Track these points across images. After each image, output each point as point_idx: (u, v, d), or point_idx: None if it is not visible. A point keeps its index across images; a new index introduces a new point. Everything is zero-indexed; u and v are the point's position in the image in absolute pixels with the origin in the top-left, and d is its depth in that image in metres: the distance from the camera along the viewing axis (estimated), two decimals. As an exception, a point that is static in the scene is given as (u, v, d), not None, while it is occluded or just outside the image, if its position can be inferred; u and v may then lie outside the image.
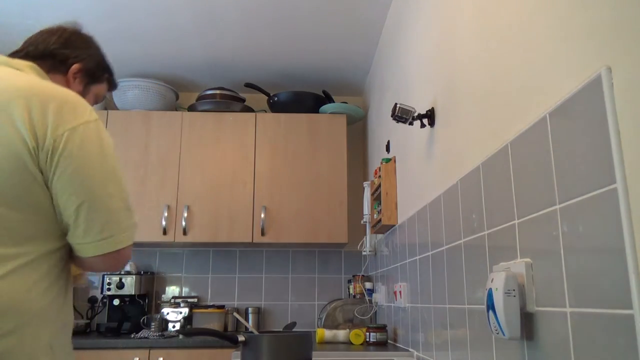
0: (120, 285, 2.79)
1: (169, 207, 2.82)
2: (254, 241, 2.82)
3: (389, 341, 2.20)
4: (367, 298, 2.71)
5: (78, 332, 2.73)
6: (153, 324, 2.67)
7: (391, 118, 1.66)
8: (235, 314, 1.81)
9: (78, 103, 1.02)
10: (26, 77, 1.03)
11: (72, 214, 0.98)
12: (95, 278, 3.01)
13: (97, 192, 0.99)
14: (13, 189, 0.93)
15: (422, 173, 1.73)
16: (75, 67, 1.19)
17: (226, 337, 1.56)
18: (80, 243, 1.00)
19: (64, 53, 1.18)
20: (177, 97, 3.19)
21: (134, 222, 1.07)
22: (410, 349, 1.87)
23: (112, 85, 1.34)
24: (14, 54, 1.15)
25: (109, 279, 2.80)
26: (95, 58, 1.26)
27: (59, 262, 1.02)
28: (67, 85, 1.17)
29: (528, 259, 0.91)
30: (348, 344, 2.16)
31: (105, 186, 1.01)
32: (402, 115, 1.64)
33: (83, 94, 1.21)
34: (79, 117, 0.99)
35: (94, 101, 1.28)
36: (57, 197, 0.97)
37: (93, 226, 0.99)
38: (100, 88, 1.29)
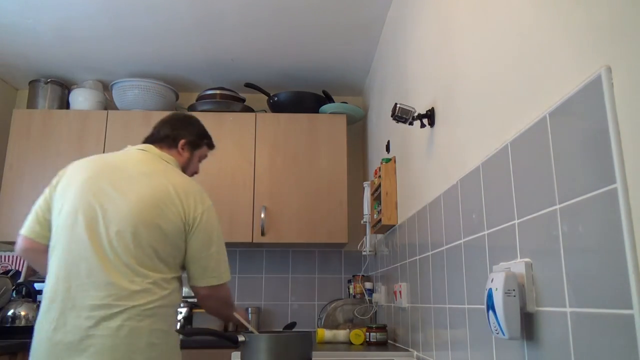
0: (120, 285, 2.79)
1: (169, 207, 2.82)
2: (254, 241, 2.82)
3: (389, 341, 2.20)
4: (367, 298, 2.71)
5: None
6: (153, 324, 2.66)
7: (391, 118, 1.66)
8: (235, 314, 1.81)
9: (204, 194, 1.65)
10: (175, 172, 1.68)
11: (198, 259, 1.61)
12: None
13: (212, 249, 1.62)
14: (174, 241, 1.56)
15: (422, 173, 1.73)
16: (181, 142, 1.77)
17: (226, 337, 1.56)
18: (199, 277, 1.62)
19: (174, 134, 1.77)
20: (177, 97, 3.19)
21: (229, 270, 1.68)
22: (410, 349, 1.87)
23: (210, 146, 1.90)
24: (148, 139, 1.77)
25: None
26: (194, 132, 1.83)
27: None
28: (179, 154, 1.77)
29: (528, 259, 0.91)
30: (348, 344, 2.16)
31: (217, 246, 1.63)
32: (402, 115, 1.64)
33: (191, 158, 1.80)
34: (206, 203, 1.63)
35: (199, 161, 1.87)
36: (190, 249, 1.59)
37: (208, 267, 1.62)
38: (202, 151, 1.86)
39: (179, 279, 1.62)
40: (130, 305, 1.46)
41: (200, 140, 1.84)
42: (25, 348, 2.34)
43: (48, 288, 1.49)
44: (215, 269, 1.62)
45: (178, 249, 1.57)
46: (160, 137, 1.76)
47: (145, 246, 1.50)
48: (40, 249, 1.59)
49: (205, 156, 1.90)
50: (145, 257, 1.50)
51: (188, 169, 1.80)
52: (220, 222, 2.78)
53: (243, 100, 3.14)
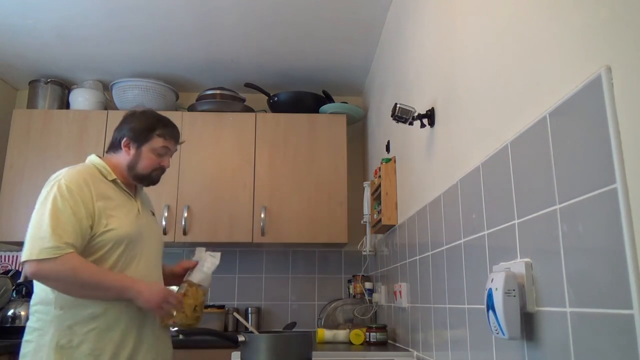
0: (120, 285, 2.79)
1: (169, 207, 2.82)
2: (254, 241, 2.82)
3: (389, 341, 2.20)
4: (367, 298, 2.70)
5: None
6: (153, 324, 2.66)
7: (391, 118, 1.66)
8: (235, 314, 1.81)
9: (51, 177, 1.60)
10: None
11: None
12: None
13: (32, 227, 1.53)
14: None
15: (422, 173, 1.73)
16: (123, 141, 1.71)
17: (226, 337, 1.56)
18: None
19: (118, 135, 1.73)
20: (177, 97, 3.19)
21: (39, 247, 1.47)
22: (410, 349, 1.87)
23: (166, 137, 1.74)
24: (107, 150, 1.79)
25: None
26: (137, 126, 1.71)
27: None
28: (126, 154, 1.70)
29: (528, 259, 0.91)
30: (348, 344, 2.16)
31: (36, 220, 1.52)
32: (402, 115, 1.64)
33: (138, 154, 1.70)
34: (45, 186, 1.59)
35: (158, 154, 1.73)
36: None
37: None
38: (153, 143, 1.71)
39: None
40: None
41: (147, 134, 1.72)
42: (25, 348, 2.35)
43: None
44: (35, 242, 1.49)
45: None
46: (110, 143, 1.77)
47: None
48: None
49: (165, 149, 1.75)
50: None
51: (138, 165, 1.71)
52: (221, 222, 2.83)
53: (243, 100, 3.14)
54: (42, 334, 1.51)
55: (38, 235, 1.49)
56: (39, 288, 1.57)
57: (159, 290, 1.60)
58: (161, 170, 1.77)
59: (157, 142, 1.72)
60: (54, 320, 1.51)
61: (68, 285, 1.51)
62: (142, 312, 1.61)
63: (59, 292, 1.52)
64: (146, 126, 1.72)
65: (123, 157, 1.71)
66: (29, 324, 1.56)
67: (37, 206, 1.55)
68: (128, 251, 1.62)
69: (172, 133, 1.76)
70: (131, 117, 1.75)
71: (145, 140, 1.71)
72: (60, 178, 1.57)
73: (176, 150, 1.82)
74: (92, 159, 1.72)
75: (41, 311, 1.54)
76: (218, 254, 1.81)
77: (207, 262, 1.79)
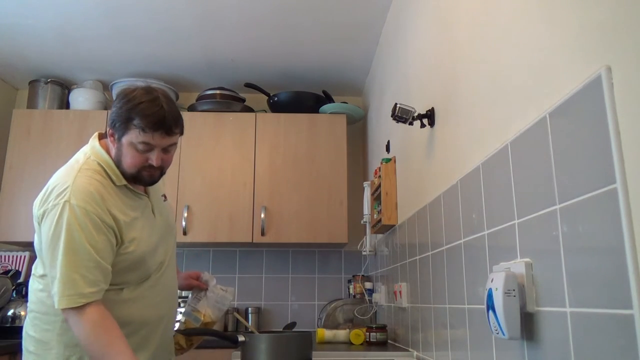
0: (120, 285, 2.79)
1: (169, 207, 2.82)
2: (254, 241, 2.82)
3: (389, 341, 2.20)
4: (367, 298, 2.70)
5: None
6: (153, 324, 2.66)
7: (391, 118, 1.66)
8: (235, 314, 1.81)
9: (55, 189, 1.31)
10: (67, 165, 1.44)
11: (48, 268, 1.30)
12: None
13: (46, 262, 1.29)
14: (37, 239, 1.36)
15: (422, 173, 1.73)
16: (108, 129, 1.38)
17: (226, 337, 1.56)
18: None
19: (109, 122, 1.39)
20: (177, 97, 3.19)
21: (69, 292, 1.23)
22: (410, 349, 1.87)
23: (146, 129, 1.30)
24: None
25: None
26: (116, 112, 1.34)
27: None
28: (112, 146, 1.39)
29: (528, 259, 0.91)
30: (348, 344, 2.16)
31: (49, 257, 1.27)
32: (402, 115, 1.64)
33: (119, 148, 1.36)
34: (49, 202, 1.29)
35: (136, 150, 1.34)
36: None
37: (53, 282, 1.26)
38: (131, 136, 1.32)
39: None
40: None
41: (125, 123, 1.32)
42: (25, 348, 2.35)
43: None
44: (55, 286, 1.24)
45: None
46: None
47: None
48: None
49: (145, 145, 1.33)
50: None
51: (122, 162, 1.37)
52: (221, 222, 2.83)
53: (243, 100, 3.14)
54: (48, 348, 1.32)
55: (61, 279, 1.24)
56: (32, 290, 1.37)
57: None
58: (151, 168, 1.38)
59: (134, 135, 1.32)
60: (62, 334, 1.31)
61: (83, 341, 1.25)
62: (151, 336, 1.42)
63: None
64: (124, 113, 1.32)
65: (111, 148, 1.39)
66: (27, 331, 1.36)
67: (46, 235, 1.27)
68: (144, 270, 1.39)
69: (153, 124, 1.30)
70: (117, 97, 1.37)
71: (124, 132, 1.33)
72: (69, 198, 1.27)
73: (169, 145, 1.37)
74: (97, 151, 1.40)
75: (43, 320, 1.33)
76: (231, 289, 1.62)
77: (223, 297, 1.61)
